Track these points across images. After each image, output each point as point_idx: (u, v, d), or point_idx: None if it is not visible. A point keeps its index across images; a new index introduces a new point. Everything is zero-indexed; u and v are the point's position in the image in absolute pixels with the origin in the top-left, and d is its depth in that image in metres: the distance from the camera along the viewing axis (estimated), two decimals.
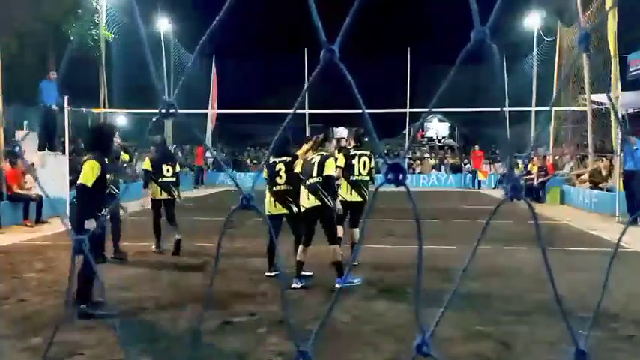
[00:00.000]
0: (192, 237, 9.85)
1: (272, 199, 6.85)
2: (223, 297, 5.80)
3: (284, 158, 6.89)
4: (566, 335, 0.87)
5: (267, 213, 6.76)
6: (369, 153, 7.63)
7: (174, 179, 8.70)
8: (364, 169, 7.50)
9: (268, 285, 6.45)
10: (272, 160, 6.90)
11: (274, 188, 6.83)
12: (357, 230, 7.29)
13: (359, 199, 7.40)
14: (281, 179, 6.80)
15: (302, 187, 6.48)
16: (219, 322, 5.08)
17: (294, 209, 6.80)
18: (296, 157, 6.87)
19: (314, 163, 6.44)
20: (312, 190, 6.31)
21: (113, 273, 6.95)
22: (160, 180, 8.50)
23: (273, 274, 6.86)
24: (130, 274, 7.04)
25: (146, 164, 8.68)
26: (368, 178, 7.51)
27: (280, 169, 6.80)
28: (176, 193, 8.68)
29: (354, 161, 7.51)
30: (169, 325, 5.04)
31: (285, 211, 6.82)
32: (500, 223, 9.86)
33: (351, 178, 7.46)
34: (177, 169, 9.00)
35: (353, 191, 7.43)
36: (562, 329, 0.89)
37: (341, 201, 7.10)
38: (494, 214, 0.87)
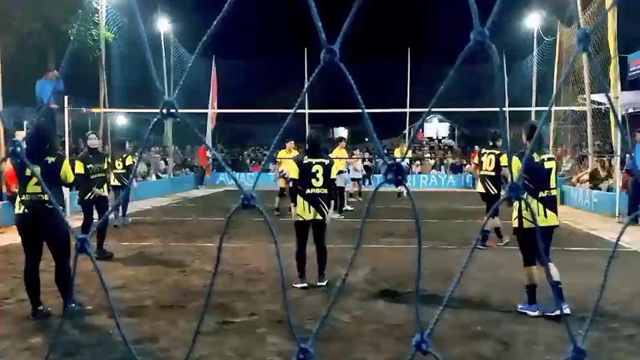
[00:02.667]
0: (193, 237, 9.87)
1: (305, 203, 6.29)
2: (223, 297, 5.80)
3: (322, 160, 6.39)
4: (565, 335, 0.87)
5: (298, 219, 6.34)
6: (497, 152, 8.60)
7: (124, 171, 10.11)
8: (489, 165, 8.65)
9: (268, 285, 6.45)
10: (307, 160, 6.35)
11: (309, 191, 6.28)
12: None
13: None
14: (318, 182, 6.28)
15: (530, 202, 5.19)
16: (219, 322, 5.09)
17: (327, 216, 6.38)
18: (332, 160, 6.53)
19: (550, 169, 5.39)
20: (551, 203, 5.31)
21: (113, 273, 6.96)
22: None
23: (325, 282, 6.37)
24: (130, 274, 7.05)
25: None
26: (494, 173, 8.55)
27: (318, 171, 6.29)
28: (127, 182, 10.19)
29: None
30: (169, 325, 5.04)
31: (318, 216, 6.30)
32: None
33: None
34: (128, 162, 10.47)
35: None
36: (562, 329, 0.89)
37: (490, 193, 8.47)
38: (494, 214, 0.88)
